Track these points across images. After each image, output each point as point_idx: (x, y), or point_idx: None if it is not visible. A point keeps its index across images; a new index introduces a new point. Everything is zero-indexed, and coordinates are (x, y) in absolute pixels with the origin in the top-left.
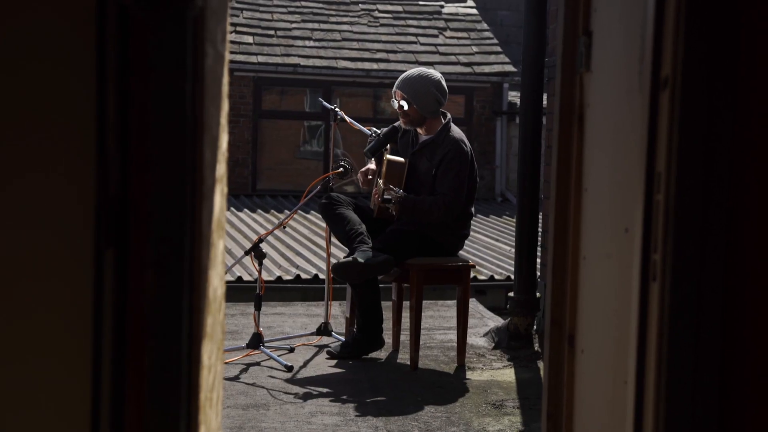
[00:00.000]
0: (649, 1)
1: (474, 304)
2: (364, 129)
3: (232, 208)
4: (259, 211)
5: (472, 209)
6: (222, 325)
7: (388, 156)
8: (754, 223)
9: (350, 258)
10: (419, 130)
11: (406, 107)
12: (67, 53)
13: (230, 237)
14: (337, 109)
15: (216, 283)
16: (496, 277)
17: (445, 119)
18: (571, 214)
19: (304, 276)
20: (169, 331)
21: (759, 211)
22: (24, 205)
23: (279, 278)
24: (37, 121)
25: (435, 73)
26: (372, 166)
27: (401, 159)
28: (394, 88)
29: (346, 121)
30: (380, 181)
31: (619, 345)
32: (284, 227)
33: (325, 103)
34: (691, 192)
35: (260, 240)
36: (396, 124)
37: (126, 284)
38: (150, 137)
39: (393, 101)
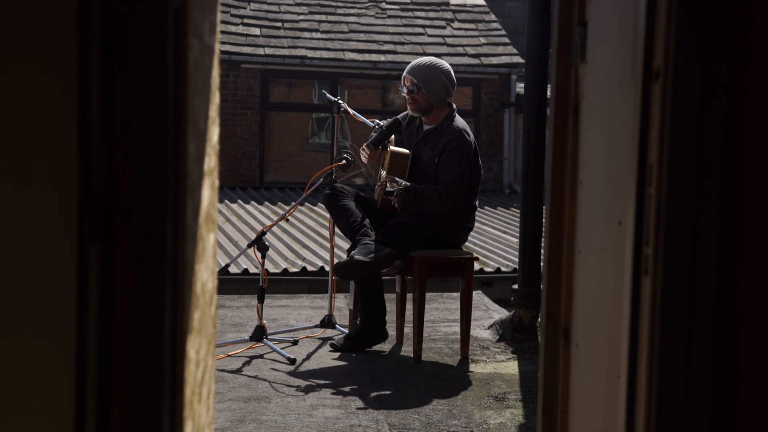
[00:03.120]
0: None
1: (480, 297)
2: (368, 121)
3: (239, 200)
4: (266, 203)
5: (476, 201)
6: (213, 320)
7: (392, 148)
8: (747, 216)
9: (349, 258)
10: (423, 120)
11: (415, 92)
12: (48, 48)
13: (237, 229)
14: (340, 101)
15: (205, 277)
16: (503, 269)
17: (450, 109)
18: (567, 207)
19: (310, 268)
20: (151, 326)
21: (752, 203)
22: (5, 198)
23: (285, 270)
24: (18, 116)
25: (445, 63)
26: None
27: (405, 150)
28: (404, 73)
29: (349, 113)
30: (383, 173)
31: (613, 339)
32: (287, 219)
33: (328, 95)
34: (682, 185)
35: (263, 233)
36: (399, 116)
37: (112, 279)
38: (131, 131)
39: (402, 87)
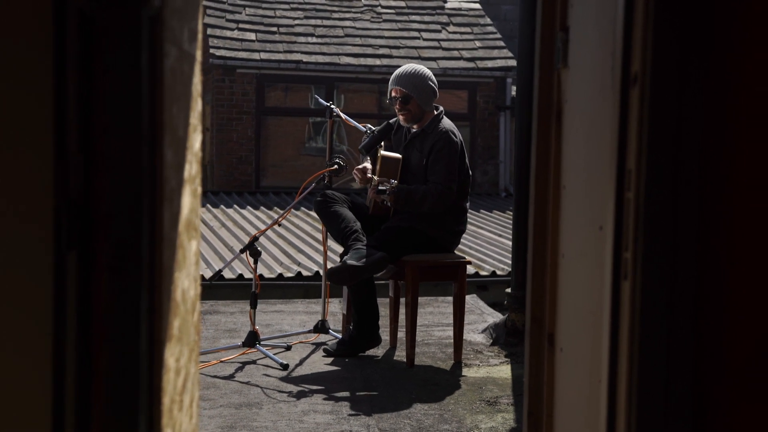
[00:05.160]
0: None
1: (474, 300)
2: (359, 126)
3: (235, 205)
4: (262, 208)
5: (467, 204)
6: (196, 327)
7: (383, 152)
8: (726, 218)
9: (342, 263)
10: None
11: (408, 103)
12: (24, 55)
13: (232, 234)
14: (332, 106)
15: (186, 285)
16: (498, 272)
17: (437, 111)
18: (550, 212)
19: (305, 273)
20: (127, 334)
21: (731, 204)
22: None
23: (280, 275)
24: None
25: (424, 67)
26: (368, 164)
27: (396, 155)
28: (392, 85)
29: (341, 117)
30: (375, 178)
31: (595, 344)
32: (279, 224)
33: (320, 99)
34: (660, 189)
35: (255, 238)
36: (391, 120)
37: (91, 287)
38: (106, 138)
39: (390, 99)
